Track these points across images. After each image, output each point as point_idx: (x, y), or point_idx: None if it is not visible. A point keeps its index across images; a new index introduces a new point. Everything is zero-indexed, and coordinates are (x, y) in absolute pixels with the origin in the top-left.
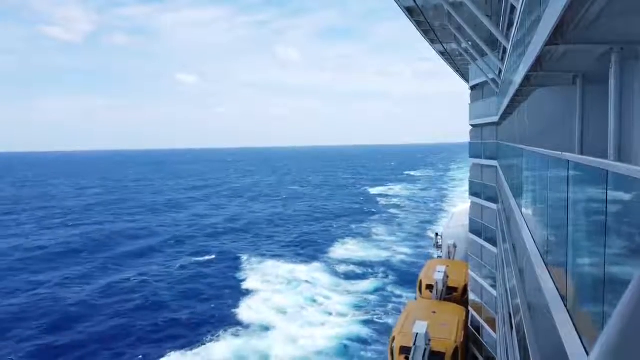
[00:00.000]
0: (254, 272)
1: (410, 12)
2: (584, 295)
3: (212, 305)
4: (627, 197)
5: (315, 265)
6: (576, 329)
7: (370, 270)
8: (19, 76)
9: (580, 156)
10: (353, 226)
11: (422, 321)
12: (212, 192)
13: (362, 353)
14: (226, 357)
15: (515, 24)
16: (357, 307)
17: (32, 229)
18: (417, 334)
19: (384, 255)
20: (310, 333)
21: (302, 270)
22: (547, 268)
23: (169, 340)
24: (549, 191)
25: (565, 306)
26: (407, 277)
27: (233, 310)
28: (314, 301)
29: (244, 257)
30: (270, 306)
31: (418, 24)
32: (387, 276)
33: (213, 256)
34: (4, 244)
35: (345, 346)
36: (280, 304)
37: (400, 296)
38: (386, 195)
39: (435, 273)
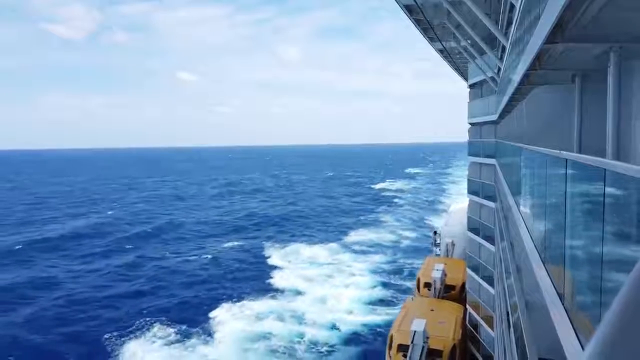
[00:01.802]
0: (281, 254)
1: (409, 10)
2: (581, 293)
3: (251, 276)
4: (624, 195)
5: (334, 247)
6: (573, 327)
7: (381, 248)
8: (21, 74)
9: (578, 155)
10: (362, 217)
11: (420, 319)
12: (239, 189)
13: (386, 309)
14: (266, 313)
15: (514, 22)
16: (375, 272)
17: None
18: (415, 331)
19: (391, 237)
20: (337, 293)
21: (324, 252)
22: (544, 266)
23: (220, 298)
24: (547, 189)
25: (563, 304)
26: (413, 252)
27: (267, 281)
28: (340, 271)
29: (270, 244)
30: (299, 277)
31: (417, 23)
32: (396, 253)
33: (242, 243)
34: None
35: (370, 303)
36: (308, 275)
37: (411, 263)
38: (390, 189)
39: (434, 271)
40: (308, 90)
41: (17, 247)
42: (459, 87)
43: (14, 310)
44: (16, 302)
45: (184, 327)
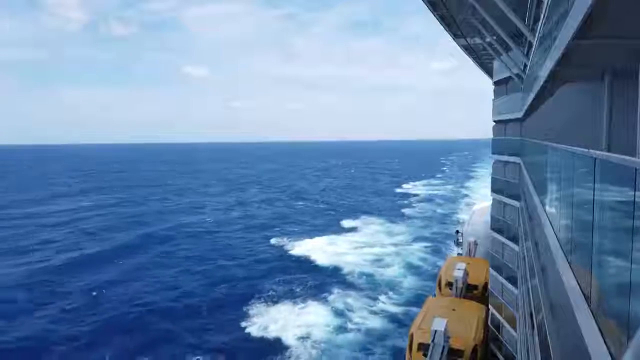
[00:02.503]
0: (327, 236)
1: (433, 5)
2: (609, 296)
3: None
4: None
5: (373, 228)
6: (600, 330)
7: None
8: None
9: (607, 153)
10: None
11: (441, 318)
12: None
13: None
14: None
15: (541, 18)
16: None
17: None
18: (436, 331)
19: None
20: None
21: (364, 232)
22: (570, 267)
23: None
24: (575, 189)
25: (589, 306)
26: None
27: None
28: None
29: (313, 228)
30: (347, 243)
31: (441, 18)
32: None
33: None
34: None
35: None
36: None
37: (440, 234)
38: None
39: (455, 270)
40: (333, 86)
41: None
42: (483, 84)
43: None
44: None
45: None
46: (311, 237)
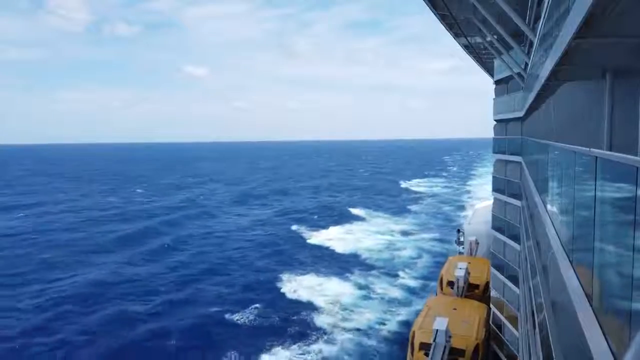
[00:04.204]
0: (343, 223)
1: (434, 5)
2: (611, 295)
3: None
4: None
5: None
6: (602, 329)
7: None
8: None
9: (608, 152)
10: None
11: (443, 317)
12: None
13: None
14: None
15: (542, 17)
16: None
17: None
18: (437, 330)
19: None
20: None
21: (378, 222)
22: (572, 266)
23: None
24: (576, 188)
25: (591, 305)
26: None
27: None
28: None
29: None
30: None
31: (442, 18)
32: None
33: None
34: None
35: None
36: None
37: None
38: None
39: (457, 270)
40: (333, 85)
41: None
42: (483, 84)
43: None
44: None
45: None
46: (326, 228)
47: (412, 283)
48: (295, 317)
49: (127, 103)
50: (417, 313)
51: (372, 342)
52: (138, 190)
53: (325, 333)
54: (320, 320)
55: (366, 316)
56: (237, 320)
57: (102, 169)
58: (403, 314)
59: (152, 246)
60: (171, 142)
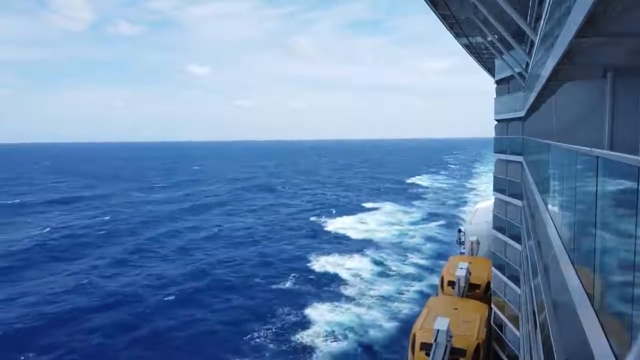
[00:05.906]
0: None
1: (435, 5)
2: (612, 295)
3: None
4: None
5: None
6: (603, 329)
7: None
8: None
9: (610, 152)
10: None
11: (444, 317)
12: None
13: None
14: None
15: (543, 16)
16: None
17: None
18: (438, 330)
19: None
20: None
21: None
22: (573, 266)
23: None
24: (577, 187)
25: (592, 305)
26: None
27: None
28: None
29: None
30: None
31: (443, 17)
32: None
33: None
34: None
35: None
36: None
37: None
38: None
39: (458, 269)
40: (334, 85)
41: None
42: (484, 84)
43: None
44: None
45: None
46: (340, 216)
47: (423, 262)
48: (325, 286)
49: (128, 102)
50: (424, 299)
51: (395, 305)
52: (202, 189)
53: (353, 297)
54: (347, 288)
55: (385, 287)
56: (281, 285)
57: (133, 167)
58: (416, 286)
59: (234, 232)
60: (186, 141)
